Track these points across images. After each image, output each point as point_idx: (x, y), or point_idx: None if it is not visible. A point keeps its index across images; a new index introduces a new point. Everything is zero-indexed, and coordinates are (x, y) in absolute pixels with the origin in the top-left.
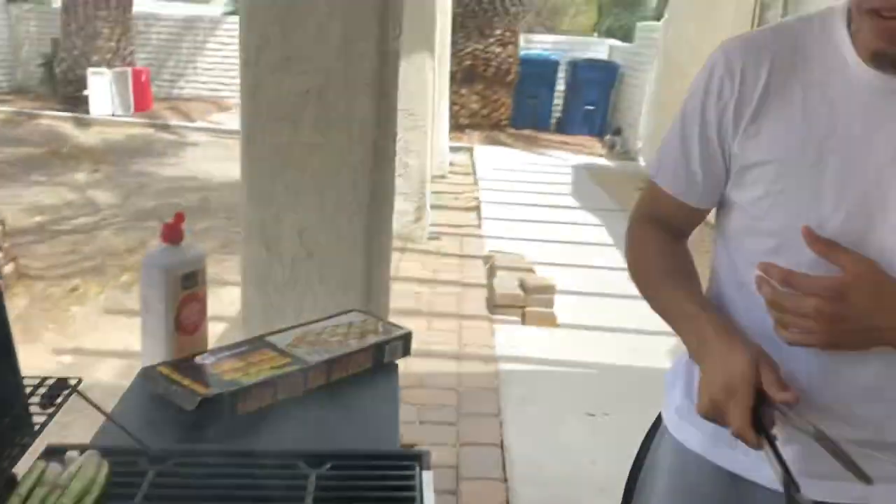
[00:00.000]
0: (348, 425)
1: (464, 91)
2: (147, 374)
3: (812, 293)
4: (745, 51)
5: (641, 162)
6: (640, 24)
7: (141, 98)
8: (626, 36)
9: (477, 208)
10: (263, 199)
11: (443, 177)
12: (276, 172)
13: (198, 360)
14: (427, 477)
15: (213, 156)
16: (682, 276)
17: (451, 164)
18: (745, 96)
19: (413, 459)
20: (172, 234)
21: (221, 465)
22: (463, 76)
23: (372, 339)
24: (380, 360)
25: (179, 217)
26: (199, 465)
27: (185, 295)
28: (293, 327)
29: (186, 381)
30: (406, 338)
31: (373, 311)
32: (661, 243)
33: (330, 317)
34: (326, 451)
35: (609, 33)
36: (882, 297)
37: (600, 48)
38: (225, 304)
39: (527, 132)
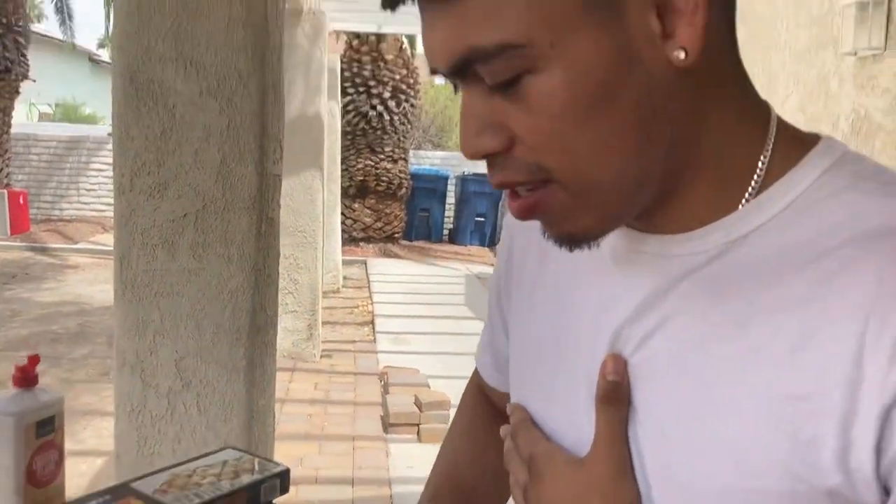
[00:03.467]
0: None
1: (356, 205)
2: None
3: (525, 455)
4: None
5: None
6: None
7: (18, 220)
8: None
9: (371, 322)
10: (137, 327)
11: (336, 291)
12: (151, 299)
13: None
14: None
15: (93, 278)
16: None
17: (345, 277)
18: (512, 267)
19: None
20: (25, 378)
21: None
22: (356, 191)
23: (246, 479)
24: (255, 500)
25: (33, 360)
26: None
27: (39, 444)
28: (162, 470)
29: None
30: (283, 475)
31: (249, 448)
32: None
33: (203, 456)
34: None
35: None
36: None
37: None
38: (105, 437)
39: (420, 244)
